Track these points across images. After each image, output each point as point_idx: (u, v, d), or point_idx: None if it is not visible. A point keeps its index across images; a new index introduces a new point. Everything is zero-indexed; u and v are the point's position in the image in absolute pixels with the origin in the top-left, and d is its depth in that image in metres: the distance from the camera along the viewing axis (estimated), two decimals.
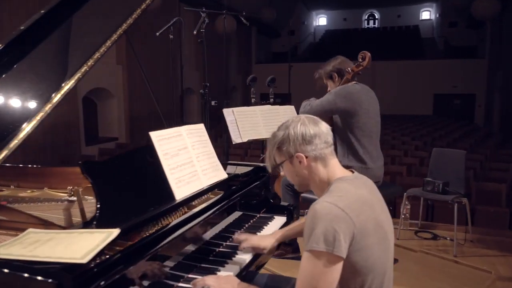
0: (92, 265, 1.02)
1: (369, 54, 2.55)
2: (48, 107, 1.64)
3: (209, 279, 1.34)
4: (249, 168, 2.22)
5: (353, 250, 1.18)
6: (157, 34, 3.68)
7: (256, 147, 7.56)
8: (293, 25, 20.66)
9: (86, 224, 1.28)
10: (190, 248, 1.53)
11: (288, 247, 2.77)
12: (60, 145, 8.25)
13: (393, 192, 2.73)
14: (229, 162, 2.36)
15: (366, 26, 23.93)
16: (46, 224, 1.44)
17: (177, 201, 1.60)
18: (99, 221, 1.25)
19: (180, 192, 1.66)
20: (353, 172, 1.39)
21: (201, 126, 2.01)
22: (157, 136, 1.67)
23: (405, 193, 3.63)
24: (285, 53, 20.20)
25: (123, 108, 10.31)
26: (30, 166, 2.14)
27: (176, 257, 1.44)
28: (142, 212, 1.40)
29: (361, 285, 1.23)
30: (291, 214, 2.17)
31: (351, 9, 22.52)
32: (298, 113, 2.71)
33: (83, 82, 8.87)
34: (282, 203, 2.27)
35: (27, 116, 1.58)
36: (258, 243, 1.64)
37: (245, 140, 2.95)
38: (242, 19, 4.51)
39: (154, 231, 1.36)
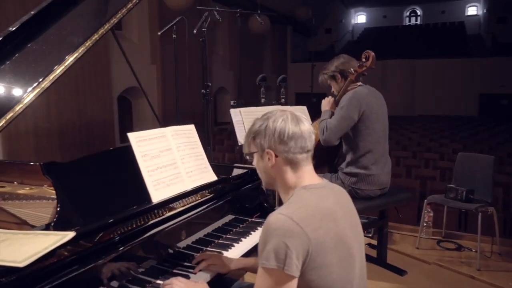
0: (28, 270, 1.00)
1: (372, 53, 2.41)
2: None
3: (178, 283, 1.28)
4: (243, 171, 2.15)
5: (308, 268, 1.08)
6: (159, 33, 3.70)
7: None
8: (330, 23, 20.32)
9: (48, 225, 1.26)
10: (169, 250, 1.49)
11: None
12: (96, 142, 8.54)
13: (401, 198, 2.56)
14: (226, 163, 2.31)
15: (408, 23, 23.07)
16: (20, 224, 1.45)
17: (153, 204, 1.56)
18: (56, 223, 1.23)
19: (158, 194, 1.63)
20: (323, 180, 1.27)
21: (190, 127, 1.97)
22: (136, 137, 1.64)
23: (425, 200, 3.42)
24: (321, 52, 19.95)
25: (156, 107, 10.51)
26: (32, 163, 2.18)
27: (150, 260, 1.40)
28: (111, 214, 1.37)
29: None
30: None
31: (392, 6, 21.80)
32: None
33: (118, 81, 9.11)
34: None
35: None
36: (217, 269, 1.48)
37: None
38: (258, 18, 4.36)
39: (120, 233, 1.33)
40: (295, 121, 1.21)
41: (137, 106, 10.58)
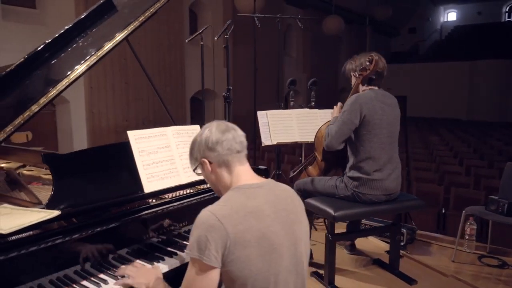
0: (10, 238, 1.27)
1: (376, 57, 2.34)
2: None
3: (130, 269, 1.46)
4: None
5: (227, 260, 1.20)
6: (187, 41, 3.94)
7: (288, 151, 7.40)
8: (415, 22, 19.26)
9: (47, 204, 1.54)
10: (146, 238, 1.70)
11: None
12: None
13: (409, 206, 2.47)
14: None
15: (507, 19, 20.91)
16: (36, 203, 1.76)
17: (143, 193, 1.79)
18: (49, 204, 1.50)
19: (151, 186, 1.85)
20: (263, 180, 1.38)
21: (195, 127, 2.16)
22: (135, 135, 1.88)
23: (463, 211, 3.21)
24: (404, 52, 19.02)
25: (228, 108, 11.01)
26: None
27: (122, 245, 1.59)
28: (100, 201, 1.62)
29: None
30: None
31: (488, 1, 19.95)
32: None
33: (192, 83, 9.72)
34: None
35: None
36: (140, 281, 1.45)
37: (274, 142, 3.01)
38: (298, 22, 4.42)
39: (99, 216, 1.55)
40: (220, 130, 1.37)
41: (208, 107, 11.20)
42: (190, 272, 1.24)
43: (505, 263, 3.22)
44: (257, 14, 5.66)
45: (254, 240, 1.22)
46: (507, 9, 20.88)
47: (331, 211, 2.21)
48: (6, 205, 1.59)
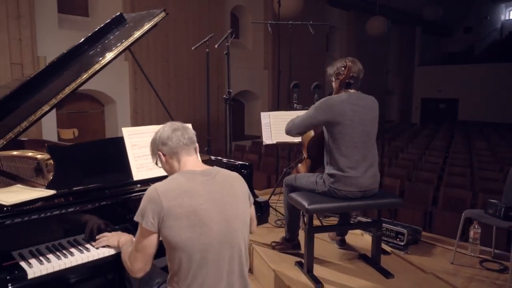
0: (9, 208, 1.64)
1: (350, 63, 2.46)
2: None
3: (106, 234, 1.86)
4: (234, 164, 2.55)
5: (162, 226, 1.52)
6: (193, 48, 4.18)
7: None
8: (471, 21, 18.34)
9: (46, 186, 1.91)
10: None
11: (289, 243, 2.93)
12: (209, 140, 9.69)
13: (385, 203, 2.56)
14: (219, 158, 2.72)
15: None
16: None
17: (132, 180, 2.11)
18: (48, 185, 1.87)
19: (140, 174, 2.17)
20: (208, 168, 1.66)
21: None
22: (128, 131, 2.22)
23: (463, 214, 3.23)
24: (458, 53, 18.16)
25: (267, 109, 11.30)
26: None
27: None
28: (95, 184, 1.97)
29: (174, 258, 1.53)
30: (261, 210, 2.42)
31: None
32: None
33: (233, 84, 10.06)
34: (259, 199, 2.52)
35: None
36: (113, 239, 1.85)
37: (274, 142, 3.23)
38: (310, 27, 4.55)
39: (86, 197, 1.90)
40: (171, 128, 1.69)
41: (249, 108, 11.55)
42: (137, 234, 1.58)
43: (506, 268, 3.19)
44: (291, 21, 5.84)
45: (184, 213, 1.51)
46: None
47: (305, 204, 2.40)
48: (18, 185, 1.98)
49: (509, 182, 3.23)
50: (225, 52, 3.92)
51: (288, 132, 2.71)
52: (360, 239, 3.25)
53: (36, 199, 1.74)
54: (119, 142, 2.16)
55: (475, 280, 3.01)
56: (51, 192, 1.81)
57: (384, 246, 3.11)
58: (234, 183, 1.67)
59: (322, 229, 3.15)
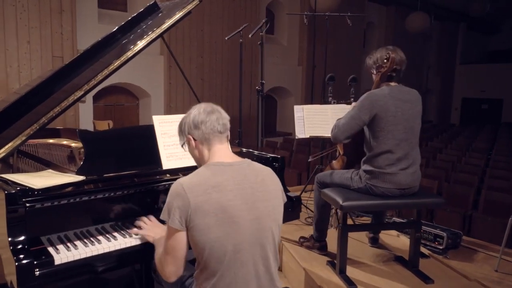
0: (39, 192, 1.63)
1: (393, 54, 2.29)
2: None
3: (145, 220, 1.81)
4: (265, 156, 2.47)
5: (189, 225, 1.40)
6: (227, 38, 4.11)
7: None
8: None
9: (76, 171, 1.90)
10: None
11: (316, 243, 2.80)
12: (241, 135, 9.67)
13: (426, 202, 2.39)
14: (250, 150, 2.65)
15: None
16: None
17: (161, 169, 2.07)
18: (78, 171, 1.86)
19: (169, 164, 2.13)
20: (238, 159, 1.55)
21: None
22: (159, 119, 2.18)
23: (510, 218, 3.00)
24: (505, 51, 17.25)
25: (301, 104, 11.12)
26: None
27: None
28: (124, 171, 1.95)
29: (201, 257, 1.43)
30: (293, 206, 2.32)
31: None
32: None
33: (266, 80, 10.01)
34: (290, 194, 2.42)
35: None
36: (148, 233, 1.77)
37: (307, 136, 3.13)
38: (348, 19, 4.37)
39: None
40: (206, 111, 1.55)
41: (282, 105, 11.43)
42: (164, 232, 1.50)
43: None
44: (327, 13, 5.72)
45: (212, 210, 1.39)
46: None
47: (340, 200, 2.28)
48: (50, 170, 1.98)
49: None
50: (258, 42, 3.84)
51: (335, 138, 2.50)
52: (396, 240, 3.08)
53: (65, 184, 1.73)
54: (150, 130, 2.13)
55: (503, 285, 2.79)
56: (80, 178, 1.80)
57: (422, 249, 2.93)
58: (266, 178, 1.54)
59: (356, 227, 3.01)
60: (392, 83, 2.39)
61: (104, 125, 6.54)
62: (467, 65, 16.48)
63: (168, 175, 2.09)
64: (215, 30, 8.53)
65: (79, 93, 2.06)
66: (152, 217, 1.86)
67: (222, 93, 9.10)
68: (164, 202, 1.98)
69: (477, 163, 7.20)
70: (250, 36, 3.91)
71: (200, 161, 1.60)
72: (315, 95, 7.04)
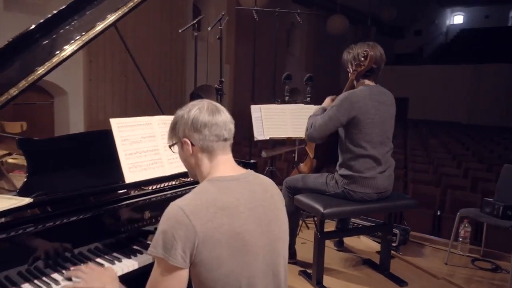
0: None
1: (371, 52, 2.24)
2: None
3: (84, 270, 1.29)
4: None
5: (195, 260, 1.11)
6: (180, 31, 3.90)
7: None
8: (420, 24, 19.15)
9: (18, 191, 1.50)
10: (125, 226, 1.65)
11: None
12: None
13: (401, 205, 2.41)
14: None
15: None
16: (12, 190, 1.71)
17: (123, 183, 1.73)
18: (21, 191, 1.46)
19: (133, 176, 1.80)
20: (242, 172, 1.27)
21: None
22: (117, 123, 1.83)
23: (458, 213, 3.15)
24: (408, 54, 18.89)
25: (227, 105, 10.97)
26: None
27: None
28: (76, 189, 1.57)
29: None
30: None
31: (496, 4, 19.77)
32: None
33: (192, 78, 9.60)
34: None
35: None
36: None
37: (267, 137, 2.96)
38: (298, 17, 4.32)
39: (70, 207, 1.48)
40: (211, 111, 1.23)
41: None
42: (155, 272, 1.14)
43: (498, 267, 3.16)
44: (255, 8, 5.61)
45: (225, 239, 1.12)
46: None
47: (320, 208, 2.15)
48: None
49: (502, 180, 3.20)
50: (218, 37, 3.60)
51: (311, 138, 2.35)
52: (358, 241, 3.06)
53: (10, 210, 1.33)
54: (106, 136, 1.78)
55: (474, 282, 2.94)
56: (26, 200, 1.41)
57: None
58: (274, 193, 1.29)
59: (335, 234, 2.88)
60: (370, 82, 2.32)
61: (16, 127, 5.65)
62: None
63: (132, 189, 1.75)
64: (139, 26, 7.95)
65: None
66: (90, 265, 1.42)
67: (147, 90, 8.51)
68: (129, 226, 1.66)
69: (398, 158, 7.70)
70: (209, 29, 3.63)
71: (196, 170, 1.29)
72: (244, 92, 6.92)
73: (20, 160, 2.42)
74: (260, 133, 2.97)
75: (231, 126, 1.26)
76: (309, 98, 3.36)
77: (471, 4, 20.51)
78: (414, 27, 18.69)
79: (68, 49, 1.90)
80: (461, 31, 20.98)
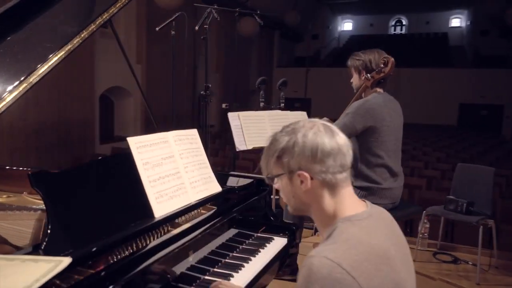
0: None
1: (392, 59, 2.23)
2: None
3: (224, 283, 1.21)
4: (249, 181, 2.00)
5: None
6: (157, 29, 3.53)
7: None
8: (317, 29, 20.39)
9: (36, 247, 1.08)
10: (173, 273, 1.32)
11: (287, 268, 2.52)
12: (74, 142, 8.20)
13: (411, 212, 2.46)
14: (231, 173, 2.15)
15: (393, 32, 23.36)
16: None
17: (155, 220, 1.39)
18: (48, 246, 1.05)
19: (161, 208, 1.46)
20: (366, 204, 1.06)
21: (193, 132, 1.80)
22: (136, 143, 1.47)
23: (424, 211, 3.33)
24: (307, 57, 19.95)
25: (140, 108, 10.24)
26: (9, 167, 1.97)
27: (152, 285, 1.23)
28: (109, 234, 1.20)
29: None
30: (293, 235, 1.94)
31: (378, 14, 22.01)
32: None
33: (101, 80, 8.78)
34: (285, 220, 2.04)
35: None
36: None
37: (249, 147, 2.74)
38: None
39: (123, 256, 1.16)
40: (330, 133, 0.98)
41: (120, 106, 10.28)
42: None
43: (457, 259, 3.42)
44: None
45: None
46: (393, 23, 23.30)
47: None
48: None
49: (457, 177, 3.46)
50: (202, 37, 3.23)
51: None
52: None
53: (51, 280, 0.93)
54: (127, 160, 1.41)
55: (445, 275, 3.12)
56: (65, 260, 1.00)
57: None
58: (397, 225, 1.08)
59: None
60: (382, 90, 2.27)
61: None
62: (281, 68, 18.38)
63: (166, 225, 1.42)
64: None
65: None
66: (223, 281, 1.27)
67: (52, 94, 7.48)
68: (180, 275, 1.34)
69: None
70: (196, 28, 3.23)
71: (311, 208, 1.03)
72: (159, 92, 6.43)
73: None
74: (242, 142, 2.74)
75: (351, 151, 1.02)
76: (282, 104, 3.23)
77: (358, 12, 22.52)
78: (312, 31, 19.79)
79: None
80: (351, 37, 22.90)
